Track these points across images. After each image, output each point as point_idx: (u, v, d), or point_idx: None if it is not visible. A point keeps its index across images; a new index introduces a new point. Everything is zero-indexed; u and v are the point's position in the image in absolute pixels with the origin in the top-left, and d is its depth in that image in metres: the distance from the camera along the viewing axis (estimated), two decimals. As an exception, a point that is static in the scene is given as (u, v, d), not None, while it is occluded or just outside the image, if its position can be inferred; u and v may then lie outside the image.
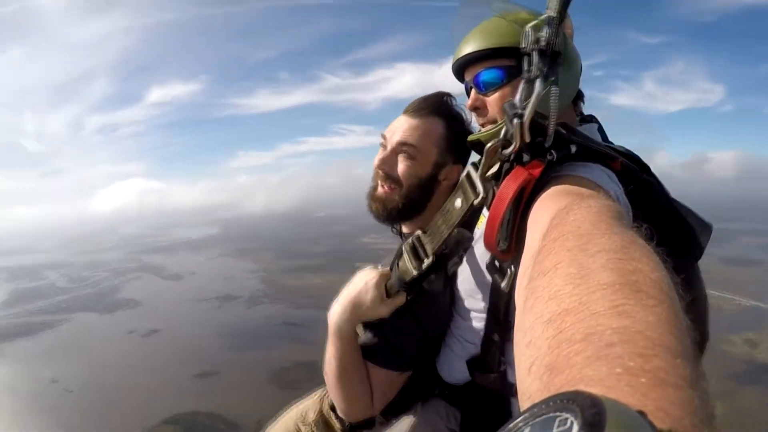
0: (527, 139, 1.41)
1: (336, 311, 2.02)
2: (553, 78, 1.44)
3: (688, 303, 0.75)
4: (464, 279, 2.00)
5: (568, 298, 0.75)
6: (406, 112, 2.19)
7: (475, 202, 1.59)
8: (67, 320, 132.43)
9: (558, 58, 1.46)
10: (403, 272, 1.90)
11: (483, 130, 1.91)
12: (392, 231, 2.44)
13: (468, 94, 1.99)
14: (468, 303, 1.99)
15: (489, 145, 1.51)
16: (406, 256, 1.90)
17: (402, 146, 2.14)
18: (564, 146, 1.48)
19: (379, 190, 2.23)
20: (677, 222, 1.65)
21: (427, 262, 1.82)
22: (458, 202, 1.67)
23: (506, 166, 1.50)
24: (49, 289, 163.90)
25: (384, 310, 1.96)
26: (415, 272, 1.85)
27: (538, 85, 1.40)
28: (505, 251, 1.46)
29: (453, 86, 2.07)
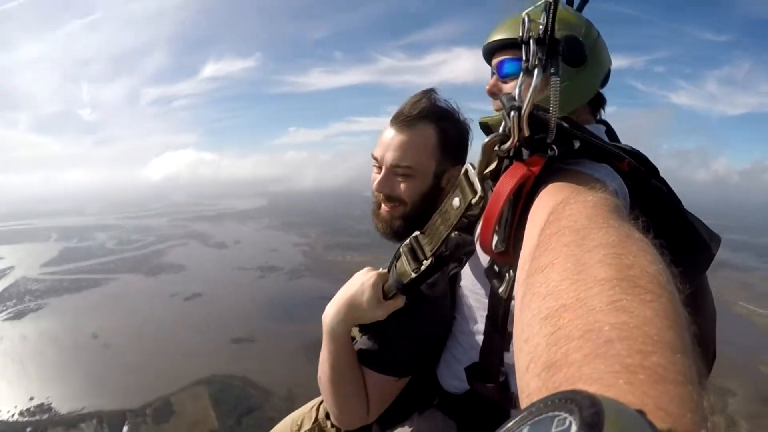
0: (526, 133, 1.31)
1: (330, 312, 1.93)
2: (553, 69, 1.34)
3: (695, 312, 0.73)
4: (465, 283, 1.94)
5: (566, 294, 0.74)
6: (393, 124, 2.09)
7: (473, 201, 1.49)
8: (113, 280, 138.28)
9: (557, 47, 1.34)
10: (401, 274, 1.80)
11: (493, 115, 1.87)
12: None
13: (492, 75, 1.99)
14: (469, 308, 1.91)
15: (486, 140, 1.43)
16: (404, 257, 1.80)
17: (396, 168, 2.07)
18: (567, 142, 1.37)
19: (383, 209, 2.17)
20: (686, 229, 1.60)
21: (425, 263, 1.73)
22: (456, 201, 1.58)
23: (506, 163, 1.41)
24: (98, 250, 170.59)
25: (380, 313, 1.87)
26: (413, 274, 1.75)
27: (536, 74, 1.32)
28: (503, 253, 1.39)
29: None
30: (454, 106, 2.15)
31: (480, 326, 1.81)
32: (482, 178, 1.47)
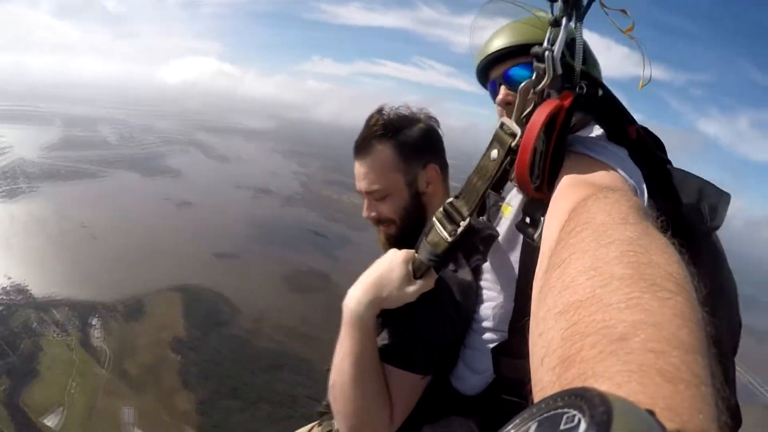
0: (559, 70, 1.41)
1: (355, 295, 1.75)
2: (576, 19, 1.45)
3: (706, 295, 0.75)
4: (491, 270, 1.89)
5: (582, 290, 0.74)
6: (355, 155, 2.18)
7: (513, 143, 1.50)
8: (109, 174, 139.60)
9: (579, 5, 1.44)
10: (434, 244, 1.70)
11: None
12: None
13: (492, 95, 2.02)
14: (494, 292, 1.86)
15: (522, 85, 1.49)
16: (437, 225, 1.70)
17: (370, 195, 2.14)
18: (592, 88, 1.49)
19: (381, 230, 2.22)
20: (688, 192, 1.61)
21: (463, 224, 1.63)
22: (494, 153, 1.57)
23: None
24: (100, 143, 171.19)
25: (411, 292, 1.70)
26: (449, 238, 1.64)
27: (564, 21, 1.42)
28: (538, 188, 1.40)
29: None
30: (408, 112, 2.18)
31: (505, 305, 1.79)
32: (520, 123, 1.51)
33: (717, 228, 1.55)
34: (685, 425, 0.48)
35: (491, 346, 1.77)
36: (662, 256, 0.79)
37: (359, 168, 2.14)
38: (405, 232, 2.09)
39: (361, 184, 2.14)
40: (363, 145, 2.11)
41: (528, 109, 1.50)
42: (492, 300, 1.84)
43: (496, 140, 1.58)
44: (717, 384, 0.58)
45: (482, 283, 1.90)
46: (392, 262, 1.74)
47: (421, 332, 1.80)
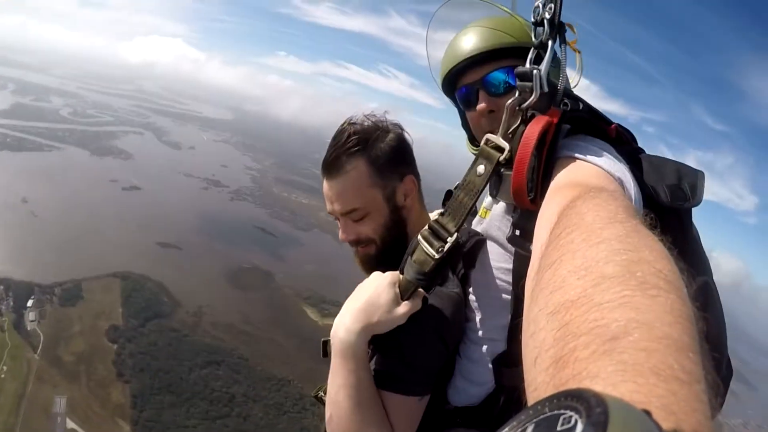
0: (546, 89, 1.48)
1: (344, 323, 1.66)
2: (562, 44, 1.55)
3: (695, 289, 0.76)
4: (481, 276, 1.83)
5: (573, 290, 0.76)
6: (324, 175, 2.02)
7: (501, 158, 1.53)
8: (57, 149, 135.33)
9: (563, 30, 1.53)
10: (420, 263, 1.68)
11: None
12: None
13: (464, 101, 1.98)
14: (487, 300, 1.81)
15: (508, 102, 1.56)
16: (423, 243, 1.69)
17: (347, 215, 1.99)
18: (574, 104, 1.58)
19: (358, 251, 2.09)
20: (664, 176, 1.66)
21: (451, 240, 1.63)
22: (481, 168, 1.59)
23: (527, 119, 1.55)
24: (51, 114, 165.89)
25: (401, 314, 1.63)
26: (436, 255, 1.64)
27: (550, 44, 1.51)
28: (533, 200, 1.46)
29: None
30: (376, 122, 2.03)
31: (501, 315, 1.74)
32: (506, 138, 1.55)
33: (699, 203, 1.59)
34: (680, 424, 0.48)
35: (490, 357, 1.75)
36: (652, 253, 0.80)
37: (331, 188, 1.99)
38: (385, 250, 2.02)
39: (335, 206, 1.99)
40: (334, 164, 1.96)
41: (514, 125, 1.56)
42: (485, 310, 1.80)
43: (482, 156, 1.60)
44: (710, 380, 0.60)
45: (472, 293, 1.84)
46: (378, 285, 1.67)
47: (413, 354, 1.73)
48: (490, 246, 1.81)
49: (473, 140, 2.06)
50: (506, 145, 1.54)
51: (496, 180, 1.65)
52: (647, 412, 0.42)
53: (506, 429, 0.44)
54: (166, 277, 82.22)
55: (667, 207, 1.50)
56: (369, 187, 1.94)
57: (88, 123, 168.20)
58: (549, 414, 0.42)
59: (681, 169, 1.64)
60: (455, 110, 2.13)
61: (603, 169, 1.41)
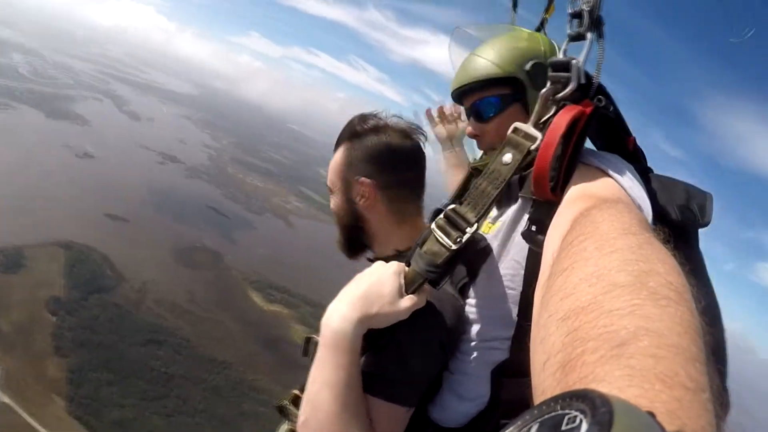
0: (582, 80, 1.45)
1: (339, 311, 1.50)
2: (601, 37, 1.50)
3: (704, 306, 0.77)
4: (484, 285, 1.79)
5: (584, 296, 0.77)
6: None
7: (532, 147, 1.45)
8: (12, 108, 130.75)
9: (601, 23, 1.49)
10: (432, 254, 1.51)
11: (483, 158, 2.02)
12: (368, 259, 2.16)
13: (468, 118, 2.08)
14: (489, 309, 1.75)
15: (543, 91, 1.51)
16: (437, 232, 1.53)
17: (327, 189, 2.06)
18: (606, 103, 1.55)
19: None
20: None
21: (470, 230, 1.47)
22: (508, 157, 1.50)
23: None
24: (9, 71, 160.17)
25: (405, 308, 1.48)
26: (453, 246, 1.47)
27: (589, 36, 1.46)
28: (553, 189, 1.40)
29: None
30: (384, 125, 2.00)
31: (505, 321, 1.66)
32: (537, 128, 1.50)
33: (708, 224, 1.58)
34: (684, 429, 0.49)
35: (489, 368, 1.68)
36: (664, 266, 0.81)
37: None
38: (345, 235, 2.05)
39: None
40: (336, 143, 2.07)
41: (546, 116, 1.51)
42: (486, 320, 1.75)
43: (510, 144, 1.53)
44: (715, 390, 0.60)
45: (473, 304, 1.80)
46: (381, 274, 1.55)
47: (412, 358, 1.62)
48: (498, 250, 1.79)
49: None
50: (538, 134, 1.47)
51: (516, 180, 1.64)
52: (651, 414, 0.42)
53: (511, 428, 0.45)
54: (112, 250, 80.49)
55: (677, 226, 1.43)
56: (337, 173, 2.01)
57: (47, 84, 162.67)
58: (554, 414, 0.42)
59: (690, 190, 1.62)
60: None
61: (623, 188, 1.39)
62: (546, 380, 0.70)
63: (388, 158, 1.99)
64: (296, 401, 1.99)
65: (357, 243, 2.03)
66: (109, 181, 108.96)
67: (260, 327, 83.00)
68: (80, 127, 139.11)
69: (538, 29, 2.25)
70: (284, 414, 1.95)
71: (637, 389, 0.54)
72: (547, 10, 2.25)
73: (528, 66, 1.88)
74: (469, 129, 2.02)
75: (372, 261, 2.04)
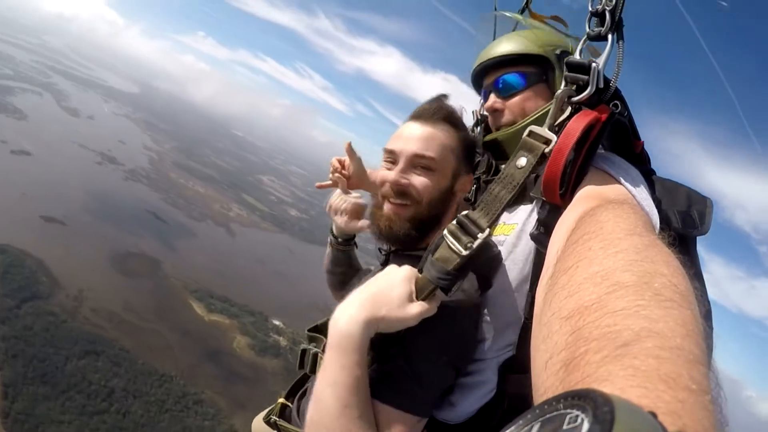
0: (601, 84, 1.44)
1: (347, 312, 1.46)
2: (619, 40, 1.49)
3: (707, 311, 0.76)
4: (496, 291, 1.76)
5: (587, 296, 0.78)
6: (416, 118, 1.94)
7: (547, 150, 1.43)
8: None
9: (621, 25, 1.49)
10: (444, 260, 1.47)
11: (501, 130, 2.00)
12: (380, 250, 2.15)
13: (485, 98, 2.09)
14: (500, 312, 1.74)
15: (559, 92, 1.49)
16: (449, 238, 1.49)
17: (420, 159, 1.87)
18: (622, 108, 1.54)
19: (387, 208, 1.91)
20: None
21: (482, 236, 1.44)
22: (522, 161, 1.48)
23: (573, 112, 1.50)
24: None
25: (414, 314, 1.44)
26: (464, 251, 1.43)
27: (611, 38, 1.46)
28: (562, 195, 1.40)
29: (425, 94, 2.47)
30: (461, 114, 2.01)
31: (513, 324, 1.69)
32: (552, 131, 1.48)
33: (706, 232, 1.58)
34: (685, 428, 0.50)
35: (496, 365, 1.70)
36: (668, 268, 0.82)
37: (420, 130, 1.90)
38: (417, 223, 1.89)
39: (413, 146, 1.88)
40: (434, 114, 1.93)
41: (561, 118, 1.49)
42: (497, 322, 1.75)
43: (524, 148, 1.50)
44: (718, 394, 0.61)
45: (484, 311, 1.79)
46: (392, 278, 1.52)
47: (420, 367, 1.57)
48: (512, 251, 1.80)
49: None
50: (553, 137, 1.44)
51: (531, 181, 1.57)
52: (654, 414, 0.42)
53: (512, 428, 0.45)
54: (47, 255, 77.40)
55: (677, 232, 1.45)
56: (450, 152, 1.91)
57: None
58: (555, 413, 0.42)
59: (691, 195, 1.64)
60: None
61: (630, 192, 1.39)
62: (548, 379, 0.71)
63: (473, 155, 2.04)
64: (283, 411, 2.10)
65: (426, 230, 1.90)
66: (45, 180, 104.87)
67: (201, 338, 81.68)
68: (17, 121, 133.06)
69: (522, 11, 2.31)
70: (275, 428, 2.00)
71: (640, 389, 0.55)
72: None
73: (558, 51, 1.93)
74: (489, 104, 2.01)
75: (382, 252, 2.11)
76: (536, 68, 1.93)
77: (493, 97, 2.00)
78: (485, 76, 2.06)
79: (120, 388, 59.73)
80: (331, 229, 2.55)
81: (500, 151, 2.05)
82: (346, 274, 2.62)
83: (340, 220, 2.41)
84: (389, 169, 1.92)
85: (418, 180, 1.86)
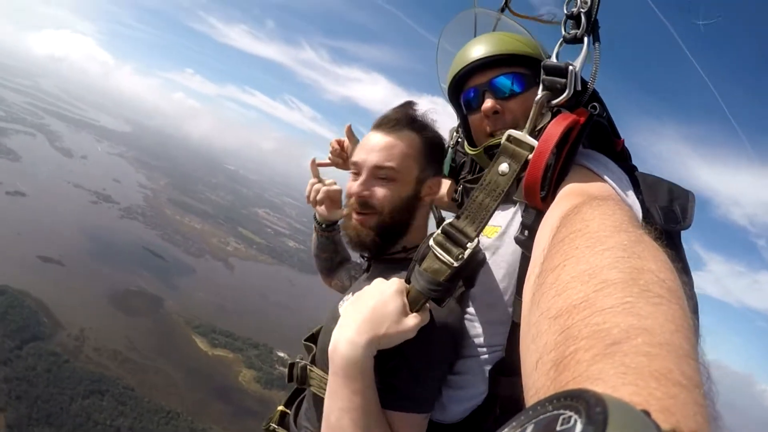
0: (579, 87, 1.45)
1: (346, 337, 1.47)
2: (597, 41, 1.49)
3: (693, 304, 0.75)
4: (481, 290, 1.77)
5: (575, 294, 0.77)
6: (378, 127, 1.97)
7: (530, 156, 1.41)
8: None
9: (597, 27, 1.50)
10: (434, 272, 1.48)
11: (498, 134, 1.90)
12: (361, 257, 2.21)
13: (469, 103, 1.99)
14: (487, 313, 1.76)
15: (538, 98, 1.48)
16: (437, 249, 1.49)
17: (379, 170, 1.90)
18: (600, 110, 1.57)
19: (354, 218, 1.95)
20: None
21: (471, 245, 1.45)
22: (504, 167, 1.47)
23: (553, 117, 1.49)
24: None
25: (412, 327, 1.47)
26: (455, 263, 1.44)
27: (586, 40, 1.47)
28: (543, 199, 1.39)
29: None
30: (426, 116, 2.03)
31: (501, 324, 1.69)
32: (533, 136, 1.47)
33: (689, 227, 1.59)
34: (679, 425, 0.49)
35: (487, 366, 1.68)
36: (656, 263, 0.82)
37: (380, 140, 1.93)
38: (384, 228, 1.93)
39: (374, 157, 1.91)
40: (394, 122, 1.95)
41: (542, 123, 1.49)
42: (482, 319, 1.76)
43: (505, 154, 1.48)
44: (709, 386, 0.61)
45: (471, 310, 1.80)
46: (383, 293, 1.51)
47: (421, 372, 1.61)
48: (496, 254, 1.77)
49: (472, 143, 2.07)
50: (534, 143, 1.42)
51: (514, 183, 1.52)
52: (646, 413, 0.42)
53: (506, 430, 0.45)
54: (46, 295, 76.40)
55: (660, 229, 1.38)
56: (411, 159, 1.91)
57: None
58: (548, 414, 0.42)
59: (673, 189, 1.62)
60: None
61: (613, 188, 1.39)
62: (539, 379, 0.70)
63: (441, 156, 2.06)
64: (282, 420, 2.14)
65: (393, 237, 1.95)
66: (41, 220, 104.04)
67: (206, 373, 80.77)
68: (11, 162, 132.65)
69: (502, 10, 2.20)
70: None
71: (632, 387, 0.54)
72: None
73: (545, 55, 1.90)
74: (488, 104, 1.88)
75: (364, 258, 2.14)
76: (530, 70, 1.86)
77: (490, 99, 1.88)
78: (471, 78, 1.96)
79: (126, 427, 58.74)
80: (314, 216, 2.59)
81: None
82: (332, 260, 2.69)
83: (321, 209, 2.49)
84: (354, 181, 1.96)
85: (380, 191, 1.91)
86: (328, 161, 2.64)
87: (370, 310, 1.48)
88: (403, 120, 1.94)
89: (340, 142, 2.60)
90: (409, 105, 2.03)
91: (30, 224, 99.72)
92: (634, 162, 1.77)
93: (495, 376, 1.65)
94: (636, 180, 1.60)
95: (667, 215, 1.55)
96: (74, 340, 71.31)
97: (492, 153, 1.85)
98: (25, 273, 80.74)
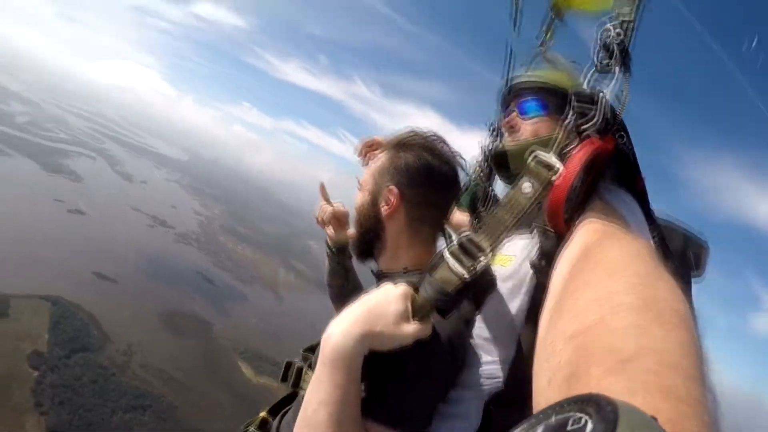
0: (608, 114, 1.48)
1: (341, 327, 1.42)
2: (628, 71, 1.54)
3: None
4: (488, 316, 1.71)
5: (591, 316, 0.81)
6: None
7: (553, 178, 1.41)
8: (7, 156, 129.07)
9: (629, 58, 1.54)
10: (444, 281, 1.43)
11: (509, 144, 2.03)
12: (372, 271, 2.07)
13: (507, 115, 2.07)
14: (486, 340, 1.68)
15: (566, 122, 1.51)
16: (450, 260, 1.44)
17: (358, 186, 2.05)
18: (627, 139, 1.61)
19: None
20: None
21: (484, 259, 1.41)
22: (527, 186, 1.46)
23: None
24: (6, 118, 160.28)
25: (409, 332, 1.39)
26: (466, 275, 1.40)
27: (617, 70, 1.51)
28: (567, 221, 1.41)
29: (463, 153, 2.05)
30: (431, 145, 1.96)
31: (503, 355, 1.62)
32: (560, 158, 1.47)
33: (701, 276, 1.62)
34: None
35: (485, 397, 1.61)
36: (670, 294, 0.85)
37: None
38: (360, 235, 2.00)
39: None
40: (387, 144, 2.06)
41: (569, 147, 1.49)
42: (486, 348, 1.68)
43: (530, 174, 1.48)
44: (716, 410, 0.64)
45: (475, 334, 1.72)
46: (388, 294, 1.47)
47: (412, 388, 1.52)
48: (510, 285, 1.72)
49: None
50: (559, 165, 1.44)
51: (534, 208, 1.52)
52: (655, 418, 0.44)
53: (517, 431, 0.46)
54: (98, 309, 76.97)
55: (677, 266, 1.48)
56: (372, 173, 2.00)
57: (44, 136, 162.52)
58: (559, 416, 0.43)
59: (687, 237, 1.72)
60: None
61: (632, 224, 1.43)
62: (551, 394, 0.73)
63: (423, 176, 1.97)
64: (263, 425, 2.10)
65: (368, 246, 2.02)
66: (98, 239, 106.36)
67: (249, 399, 79.18)
68: (73, 182, 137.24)
69: (543, 44, 2.31)
70: None
71: (640, 400, 0.56)
72: (547, 32, 2.29)
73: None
74: (508, 119, 2.05)
75: (375, 273, 2.09)
76: (559, 101, 1.89)
77: (514, 116, 2.03)
78: (514, 96, 2.09)
79: (165, 445, 57.18)
80: (326, 241, 2.59)
81: (504, 164, 2.10)
82: (344, 287, 2.60)
83: (329, 231, 2.50)
84: None
85: (356, 200, 2.05)
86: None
87: (371, 307, 1.45)
88: (392, 142, 2.03)
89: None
90: (405, 133, 2.05)
91: (88, 242, 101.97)
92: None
93: (489, 408, 1.61)
94: (653, 222, 1.64)
95: (681, 261, 1.61)
96: (122, 355, 71.58)
97: (496, 158, 2.09)
98: (79, 287, 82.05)
